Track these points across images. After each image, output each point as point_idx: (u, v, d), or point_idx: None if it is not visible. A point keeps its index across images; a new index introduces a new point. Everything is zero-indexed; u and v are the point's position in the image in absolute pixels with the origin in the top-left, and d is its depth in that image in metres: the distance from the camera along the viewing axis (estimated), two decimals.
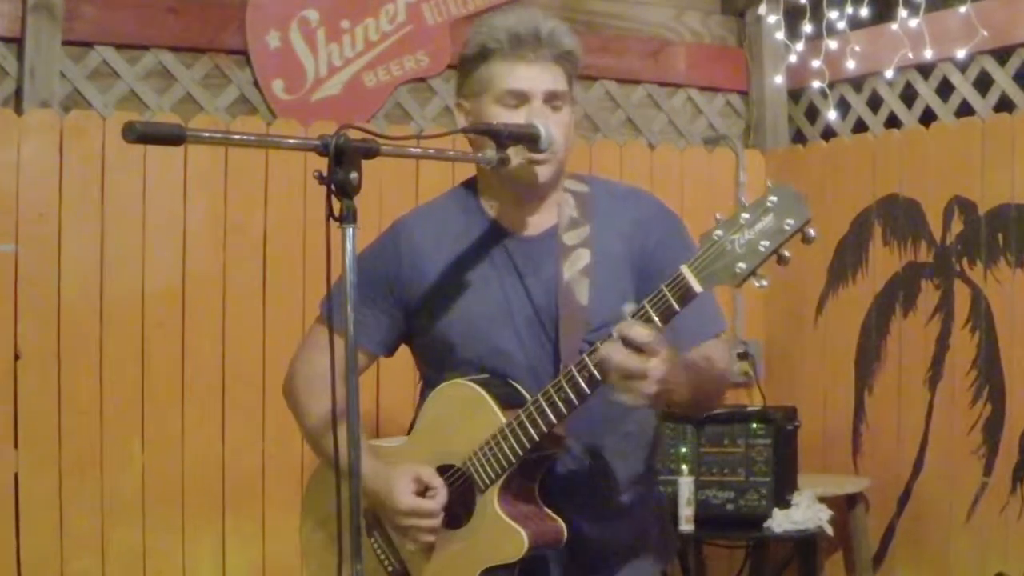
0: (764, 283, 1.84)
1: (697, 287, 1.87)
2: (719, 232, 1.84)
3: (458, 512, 2.19)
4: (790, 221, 1.79)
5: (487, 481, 2.14)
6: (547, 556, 2.19)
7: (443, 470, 2.21)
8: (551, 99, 2.19)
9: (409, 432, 2.35)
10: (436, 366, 2.30)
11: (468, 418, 2.16)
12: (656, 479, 2.44)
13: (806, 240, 1.82)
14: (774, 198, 1.81)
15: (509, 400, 2.15)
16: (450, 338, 2.25)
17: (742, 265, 1.82)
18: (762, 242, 1.80)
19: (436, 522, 2.18)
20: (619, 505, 2.27)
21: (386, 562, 2.30)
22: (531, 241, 2.26)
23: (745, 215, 1.82)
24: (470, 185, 2.35)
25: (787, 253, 1.82)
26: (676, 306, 1.89)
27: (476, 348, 2.23)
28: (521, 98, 2.17)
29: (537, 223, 2.27)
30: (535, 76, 2.18)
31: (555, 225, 2.26)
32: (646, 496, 2.34)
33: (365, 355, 2.32)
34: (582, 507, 2.22)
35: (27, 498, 3.59)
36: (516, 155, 2.13)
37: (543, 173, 2.20)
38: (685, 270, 1.87)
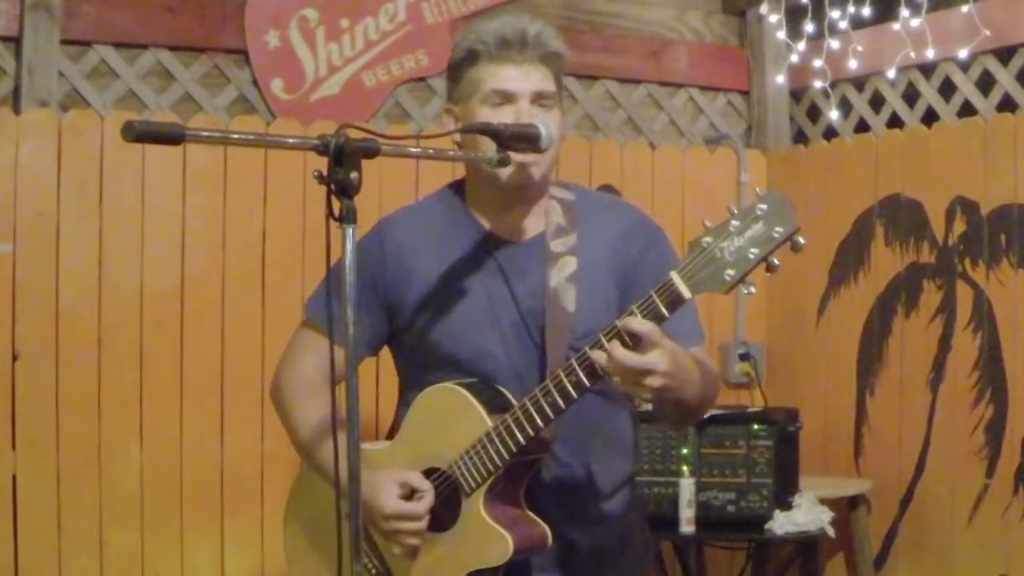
0: (752, 290, 1.86)
1: (686, 293, 1.88)
2: (708, 239, 1.85)
3: (443, 516, 2.19)
4: (779, 229, 1.80)
5: (473, 485, 2.14)
6: (532, 560, 2.19)
7: (428, 473, 2.20)
8: (539, 99, 2.20)
9: (393, 435, 2.34)
10: (418, 367, 2.30)
11: (455, 422, 2.16)
12: (636, 482, 2.44)
13: (795, 248, 1.83)
14: (764, 206, 1.82)
15: (496, 404, 2.15)
16: (434, 339, 2.25)
17: (731, 272, 1.83)
18: (751, 249, 1.81)
19: (421, 525, 2.17)
20: (603, 509, 2.28)
21: (369, 565, 2.30)
22: (518, 246, 2.26)
23: (735, 222, 1.83)
24: (457, 188, 2.36)
25: (776, 261, 1.83)
26: (665, 312, 1.90)
27: (460, 349, 2.23)
28: (508, 98, 2.18)
29: (524, 228, 2.28)
30: (522, 76, 2.19)
31: (542, 232, 2.26)
32: (629, 500, 2.36)
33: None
34: (567, 511, 2.22)
35: (25, 499, 3.58)
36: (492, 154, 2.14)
37: (535, 173, 2.20)
38: (675, 276, 1.88)
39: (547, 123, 2.13)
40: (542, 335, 2.19)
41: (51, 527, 3.62)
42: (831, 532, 3.90)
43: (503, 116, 2.15)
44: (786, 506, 3.86)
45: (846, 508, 4.19)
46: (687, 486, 3.80)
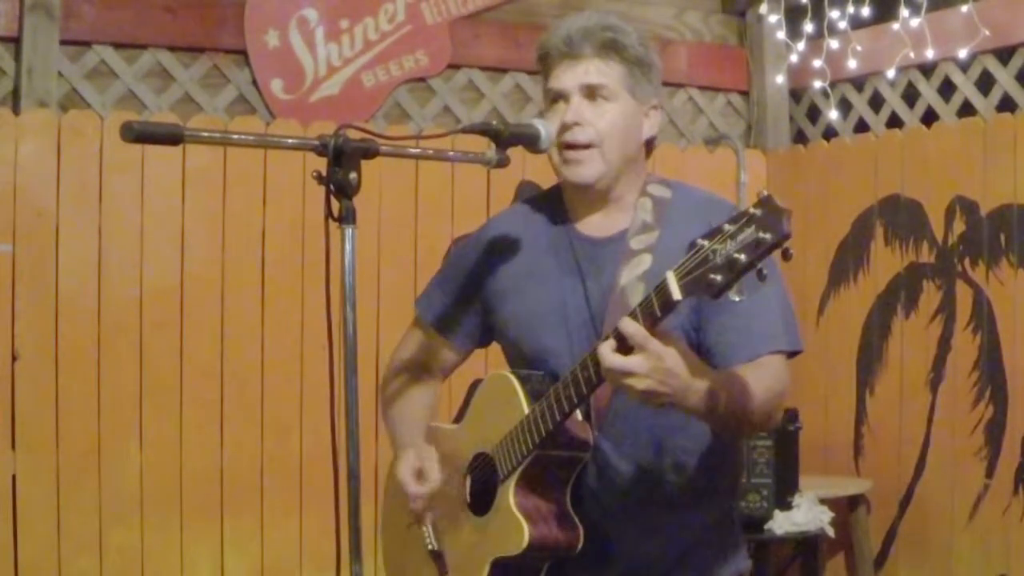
0: (742, 297, 1.74)
1: (676, 294, 1.79)
2: (703, 241, 1.76)
3: (486, 499, 2.21)
4: (766, 236, 1.68)
5: (507, 471, 2.15)
6: (575, 561, 2.15)
7: (478, 457, 2.24)
8: (590, 93, 2.17)
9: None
10: (508, 360, 2.33)
11: (502, 408, 2.18)
12: (718, 499, 2.28)
13: (785, 258, 1.71)
14: (758, 211, 1.71)
15: (542, 395, 2.14)
16: (509, 334, 2.28)
17: (716, 277, 1.73)
18: (738, 255, 1.71)
19: (412, 505, 2.29)
20: (654, 521, 2.20)
21: (427, 541, 2.36)
22: (599, 243, 2.23)
23: (728, 225, 1.73)
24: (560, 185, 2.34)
25: (765, 271, 1.71)
26: (658, 312, 1.83)
27: (528, 345, 2.24)
28: (561, 96, 2.17)
29: (609, 226, 2.24)
30: (571, 72, 2.17)
31: (626, 229, 2.22)
32: (693, 516, 2.23)
33: (451, 350, 2.40)
34: (616, 519, 2.18)
35: (25, 500, 3.58)
36: (555, 153, 2.16)
37: (578, 173, 2.17)
38: (669, 275, 1.80)
39: (589, 116, 2.13)
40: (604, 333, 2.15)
41: (51, 527, 3.62)
42: (831, 532, 3.90)
43: (557, 114, 2.16)
44: (786, 506, 3.86)
45: (846, 508, 4.18)
46: None
